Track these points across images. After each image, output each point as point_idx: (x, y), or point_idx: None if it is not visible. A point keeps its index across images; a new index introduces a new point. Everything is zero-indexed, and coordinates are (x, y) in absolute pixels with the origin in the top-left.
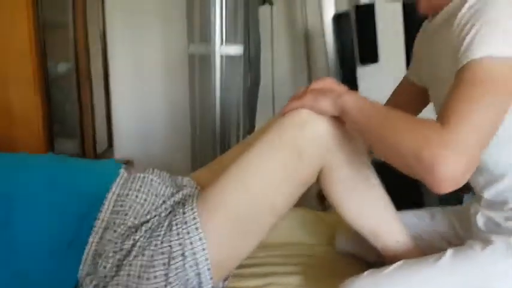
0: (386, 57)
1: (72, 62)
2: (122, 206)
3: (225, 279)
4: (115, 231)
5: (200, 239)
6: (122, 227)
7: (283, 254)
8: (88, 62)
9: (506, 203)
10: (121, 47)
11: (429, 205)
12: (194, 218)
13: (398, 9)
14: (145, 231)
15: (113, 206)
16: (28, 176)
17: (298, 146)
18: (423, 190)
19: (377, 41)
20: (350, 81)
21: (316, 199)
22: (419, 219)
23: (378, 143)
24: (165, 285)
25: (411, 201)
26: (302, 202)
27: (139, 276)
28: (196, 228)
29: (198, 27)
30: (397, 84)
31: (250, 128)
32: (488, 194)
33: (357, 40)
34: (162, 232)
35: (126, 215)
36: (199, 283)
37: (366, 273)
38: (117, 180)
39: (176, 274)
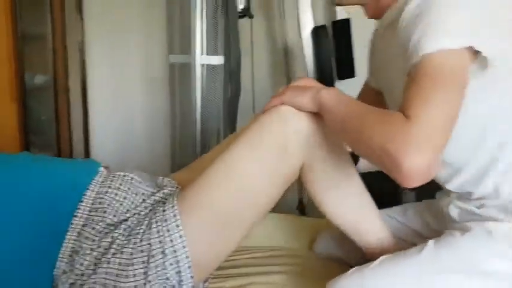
0: (363, 73)
1: (50, 73)
2: (100, 203)
3: (205, 281)
4: (93, 228)
5: (181, 236)
6: (100, 224)
7: (264, 255)
8: (66, 73)
9: (472, 194)
10: (100, 58)
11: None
12: (174, 216)
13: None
14: (125, 229)
15: (92, 204)
16: (3, 173)
17: (280, 141)
18: (400, 190)
19: (353, 56)
20: None
21: (296, 210)
22: (391, 217)
23: (351, 138)
24: (144, 284)
25: (388, 201)
26: (283, 209)
27: (117, 275)
28: (177, 226)
29: (178, 38)
30: None
31: None
32: (451, 187)
33: (334, 55)
34: (142, 230)
35: (105, 212)
36: (180, 282)
37: (350, 271)
38: (97, 177)
39: (156, 272)
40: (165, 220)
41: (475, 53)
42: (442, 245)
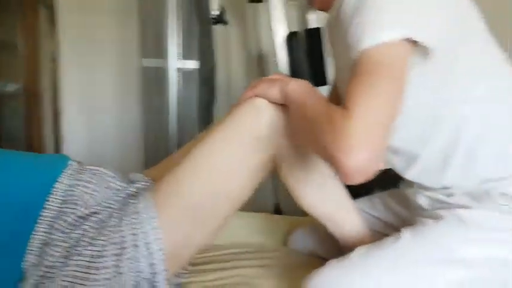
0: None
1: (21, 80)
2: (71, 195)
3: (180, 276)
4: (64, 220)
5: (153, 228)
6: (71, 216)
7: (240, 251)
8: (38, 80)
9: (436, 183)
10: (72, 63)
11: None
12: (147, 208)
13: None
14: (96, 221)
15: (62, 196)
16: None
17: (253, 131)
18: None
19: (325, 64)
20: None
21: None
22: (362, 211)
23: (304, 133)
24: (116, 276)
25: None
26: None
27: (88, 267)
28: (150, 218)
29: (151, 42)
30: None
31: None
32: (410, 176)
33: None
34: (114, 223)
35: (75, 204)
36: (153, 274)
37: (327, 264)
38: (67, 170)
39: (128, 265)
40: (138, 212)
41: (415, 43)
42: (416, 234)
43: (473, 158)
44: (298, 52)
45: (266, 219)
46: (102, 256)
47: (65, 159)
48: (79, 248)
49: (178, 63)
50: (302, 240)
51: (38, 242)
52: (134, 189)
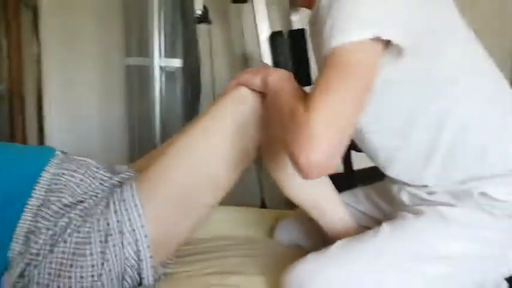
0: None
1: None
2: (57, 184)
3: (165, 266)
4: (49, 208)
5: (139, 215)
6: (57, 204)
7: (226, 244)
8: (21, 81)
9: (418, 181)
10: (56, 65)
11: None
12: (133, 195)
13: None
14: (81, 210)
15: (48, 185)
16: None
17: (237, 119)
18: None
19: (309, 65)
20: None
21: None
22: (346, 205)
23: (273, 121)
24: (102, 263)
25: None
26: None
27: (74, 253)
28: (135, 205)
29: (135, 41)
30: None
31: None
32: (392, 173)
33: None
34: (99, 210)
35: (61, 193)
36: (139, 261)
37: (308, 256)
38: (53, 160)
39: (114, 251)
40: (123, 200)
41: (388, 42)
42: (396, 228)
43: (453, 157)
44: (283, 51)
45: (252, 212)
46: (88, 243)
47: (51, 150)
48: (65, 236)
49: (162, 61)
50: (287, 233)
51: (24, 230)
52: (119, 179)
